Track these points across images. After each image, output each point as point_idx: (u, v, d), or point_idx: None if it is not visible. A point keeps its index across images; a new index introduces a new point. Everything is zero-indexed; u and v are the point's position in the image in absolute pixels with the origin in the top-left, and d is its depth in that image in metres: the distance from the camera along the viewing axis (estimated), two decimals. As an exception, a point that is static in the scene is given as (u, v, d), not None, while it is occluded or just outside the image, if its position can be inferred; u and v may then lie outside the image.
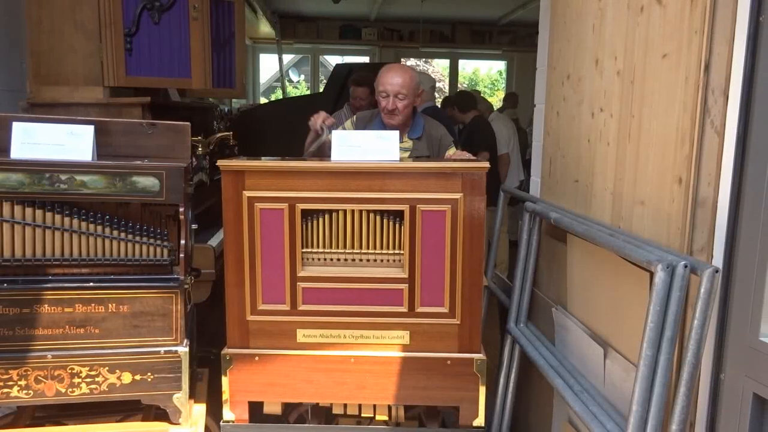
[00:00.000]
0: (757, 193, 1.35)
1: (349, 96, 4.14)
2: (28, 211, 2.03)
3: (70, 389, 2.08)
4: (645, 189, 1.79)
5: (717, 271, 1.38)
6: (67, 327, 2.06)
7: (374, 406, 2.33)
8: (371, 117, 2.88)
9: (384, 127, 2.71)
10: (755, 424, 1.34)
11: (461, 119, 5.13)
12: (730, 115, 1.45)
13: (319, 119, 2.68)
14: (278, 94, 9.64)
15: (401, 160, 2.29)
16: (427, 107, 4.25)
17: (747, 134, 1.40)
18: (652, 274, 1.47)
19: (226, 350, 2.23)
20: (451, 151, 2.76)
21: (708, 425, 1.48)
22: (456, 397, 2.23)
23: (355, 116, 2.96)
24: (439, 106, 5.76)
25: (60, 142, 2.07)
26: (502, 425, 2.59)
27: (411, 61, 10.68)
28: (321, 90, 7.29)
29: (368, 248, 2.21)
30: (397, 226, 2.18)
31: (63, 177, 2.01)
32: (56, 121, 2.15)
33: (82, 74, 2.80)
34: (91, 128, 2.12)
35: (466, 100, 5.29)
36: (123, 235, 2.10)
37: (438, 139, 2.79)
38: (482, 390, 2.22)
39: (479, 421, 2.24)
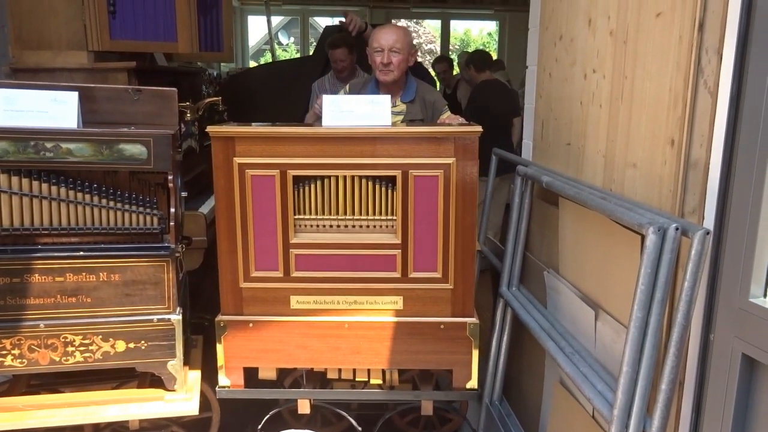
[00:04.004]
0: (749, 154, 1.34)
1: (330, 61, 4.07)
2: (15, 179, 2.00)
3: (64, 358, 2.09)
4: (637, 151, 1.77)
5: (708, 233, 1.38)
6: (58, 296, 2.05)
7: (368, 370, 2.36)
8: (363, 84, 2.86)
9: (377, 92, 2.68)
10: (744, 384, 1.35)
11: (476, 78, 5.03)
12: (724, 75, 1.42)
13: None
14: (268, 58, 9.48)
15: (394, 124, 2.26)
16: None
17: (740, 95, 1.38)
18: (643, 237, 1.47)
19: (220, 317, 2.24)
20: (445, 116, 2.74)
21: (697, 385, 1.50)
22: (449, 360, 2.26)
23: (348, 86, 2.94)
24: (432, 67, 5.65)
25: (44, 108, 2.03)
26: (494, 387, 2.63)
27: (402, 22, 10.51)
28: (311, 53, 7.16)
29: (361, 214, 2.20)
30: (389, 191, 2.17)
31: (48, 145, 1.98)
32: (39, 87, 2.11)
33: (65, 38, 2.73)
34: (75, 94, 2.08)
35: (483, 57, 5.19)
36: (111, 203, 2.08)
37: (432, 102, 2.77)
38: (475, 353, 2.24)
39: (472, 383, 2.27)
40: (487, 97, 4.77)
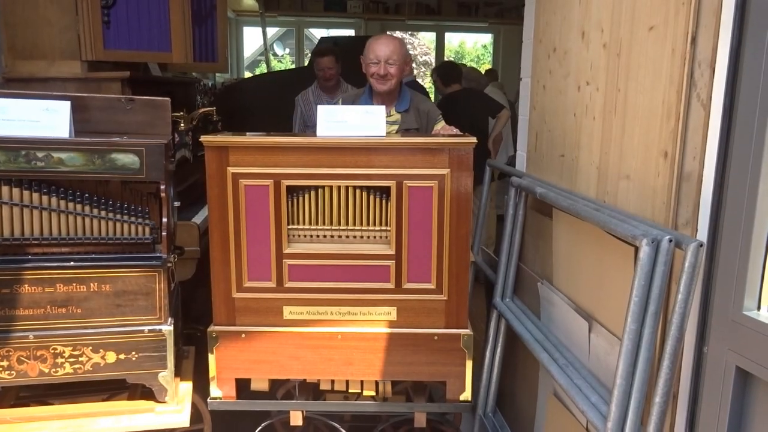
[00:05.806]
0: (742, 166, 1.34)
1: (315, 70, 4.08)
2: (5, 189, 1.98)
3: (54, 369, 2.06)
4: (630, 163, 1.78)
5: (701, 246, 1.38)
6: (48, 307, 2.03)
7: (361, 381, 2.34)
8: (356, 96, 2.87)
9: (371, 103, 2.69)
10: (737, 397, 1.35)
11: (443, 90, 5.03)
12: (717, 88, 1.43)
13: None
14: (263, 68, 9.50)
15: (389, 133, 2.26)
16: (408, 81, 4.19)
17: (733, 107, 1.39)
18: (637, 249, 1.47)
19: (212, 328, 2.22)
20: (439, 126, 2.75)
21: (691, 398, 1.50)
22: (443, 372, 2.24)
23: (340, 99, 2.96)
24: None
25: (35, 118, 2.02)
26: (488, 399, 2.61)
27: (397, 34, 10.57)
28: (306, 64, 7.18)
29: (355, 225, 2.19)
30: (383, 202, 2.16)
31: (40, 154, 1.96)
32: (31, 96, 2.10)
33: (58, 48, 2.73)
34: (67, 104, 2.07)
35: (450, 71, 5.16)
36: (103, 213, 2.06)
37: (426, 112, 2.78)
38: (469, 365, 2.23)
39: (466, 395, 2.26)
40: (449, 110, 4.74)
